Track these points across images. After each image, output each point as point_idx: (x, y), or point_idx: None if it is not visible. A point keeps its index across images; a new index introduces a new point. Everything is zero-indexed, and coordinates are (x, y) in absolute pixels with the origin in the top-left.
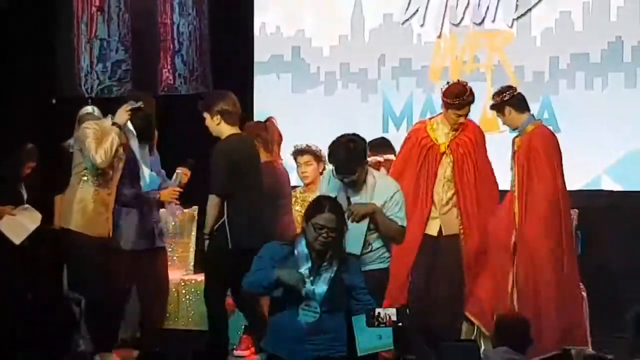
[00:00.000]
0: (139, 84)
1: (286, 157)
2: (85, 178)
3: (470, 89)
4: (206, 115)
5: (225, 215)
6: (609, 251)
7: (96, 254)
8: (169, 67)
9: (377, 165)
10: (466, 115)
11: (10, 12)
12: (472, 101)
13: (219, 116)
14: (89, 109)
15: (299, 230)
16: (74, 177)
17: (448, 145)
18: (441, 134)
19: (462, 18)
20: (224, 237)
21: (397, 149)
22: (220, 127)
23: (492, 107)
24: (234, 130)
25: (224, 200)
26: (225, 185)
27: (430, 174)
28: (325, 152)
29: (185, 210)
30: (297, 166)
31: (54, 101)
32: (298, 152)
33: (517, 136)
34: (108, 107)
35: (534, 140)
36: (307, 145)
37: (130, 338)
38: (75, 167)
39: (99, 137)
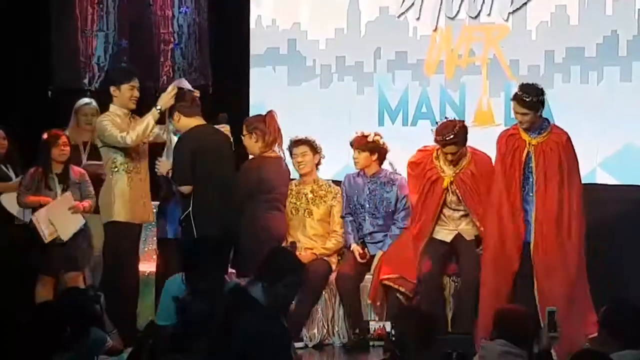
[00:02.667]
0: (139, 77)
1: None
2: (115, 169)
3: (459, 127)
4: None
5: (191, 207)
6: (603, 245)
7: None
8: (168, 59)
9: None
10: (453, 153)
11: (10, 5)
12: (456, 142)
13: (177, 112)
14: (86, 100)
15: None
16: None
17: (451, 182)
18: (445, 167)
19: (458, 11)
20: (189, 228)
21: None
22: (182, 122)
23: (525, 103)
24: (197, 121)
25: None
26: (187, 176)
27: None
28: (320, 144)
29: None
30: (293, 157)
31: (49, 92)
32: (294, 144)
33: (531, 136)
34: (107, 99)
35: (567, 142)
36: (304, 136)
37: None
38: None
39: (117, 124)
